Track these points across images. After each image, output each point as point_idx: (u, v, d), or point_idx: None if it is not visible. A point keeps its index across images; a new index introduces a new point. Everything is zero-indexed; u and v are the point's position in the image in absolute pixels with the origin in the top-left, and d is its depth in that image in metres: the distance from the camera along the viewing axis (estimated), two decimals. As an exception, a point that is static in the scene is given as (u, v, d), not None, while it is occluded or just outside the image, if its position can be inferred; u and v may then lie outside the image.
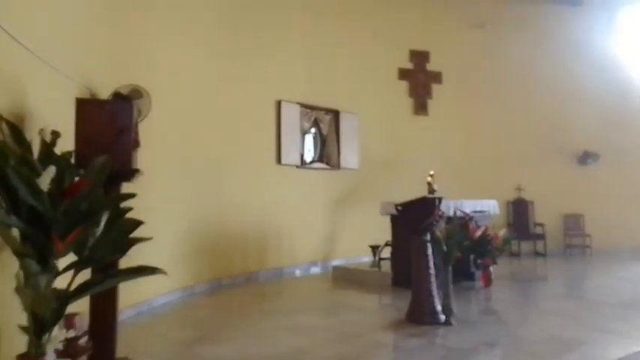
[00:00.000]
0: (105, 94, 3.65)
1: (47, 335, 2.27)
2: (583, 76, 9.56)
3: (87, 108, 2.78)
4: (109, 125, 2.81)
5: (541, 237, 9.31)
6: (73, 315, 2.88)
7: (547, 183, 9.65)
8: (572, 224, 9.61)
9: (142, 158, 3.23)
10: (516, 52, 9.94)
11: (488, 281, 6.06)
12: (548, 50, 9.84)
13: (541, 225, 9.44)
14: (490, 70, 10.02)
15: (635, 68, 9.42)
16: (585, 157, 9.55)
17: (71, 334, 2.57)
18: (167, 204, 5.57)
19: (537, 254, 9.44)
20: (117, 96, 3.39)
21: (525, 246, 9.32)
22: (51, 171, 2.14)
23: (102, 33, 4.41)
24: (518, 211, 9.66)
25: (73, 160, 2.65)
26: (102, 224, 2.41)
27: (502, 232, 6.03)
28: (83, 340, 2.89)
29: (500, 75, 10.00)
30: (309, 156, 8.88)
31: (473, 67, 10.03)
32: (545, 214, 9.57)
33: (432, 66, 10.10)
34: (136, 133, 3.11)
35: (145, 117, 3.92)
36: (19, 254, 2.10)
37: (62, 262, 2.30)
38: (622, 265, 7.95)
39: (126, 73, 4.33)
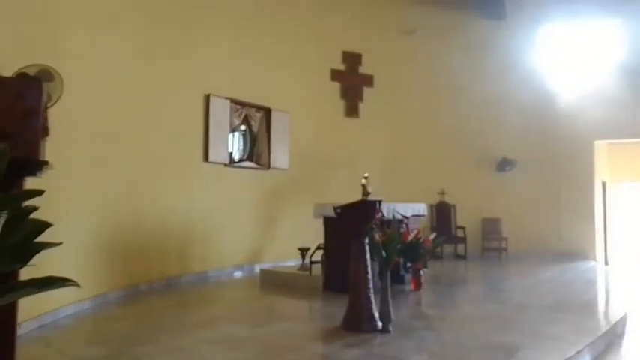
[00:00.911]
0: (4, 74, 3.10)
1: None
2: (505, 86, 10.06)
3: (-18, 85, 2.27)
4: (12, 107, 2.32)
5: (462, 240, 9.67)
6: (-43, 337, 2.37)
7: (468, 188, 10.04)
8: (490, 228, 10.09)
9: (50, 149, 2.75)
10: (443, 59, 10.26)
11: (418, 285, 6.10)
12: (472, 60, 10.25)
13: (462, 228, 9.80)
14: (419, 76, 10.28)
15: (553, 81, 10.07)
16: (504, 164, 10.07)
17: (-48, 363, 2.08)
18: (77, 202, 4.98)
19: (458, 256, 9.80)
20: (22, 76, 2.88)
21: (447, 248, 9.61)
22: None
23: (4, 5, 3.79)
24: (441, 214, 9.97)
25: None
26: (-1, 227, 1.96)
27: (432, 236, 6.08)
28: (-31, 367, 2.39)
29: (428, 81, 10.28)
30: (237, 154, 8.50)
31: (403, 73, 10.23)
32: (466, 218, 9.96)
33: (364, 68, 10.16)
34: (45, 120, 2.63)
35: (55, 102, 3.41)
36: None
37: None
38: (538, 267, 8.42)
39: (32, 54, 3.75)
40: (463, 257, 9.65)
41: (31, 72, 2.88)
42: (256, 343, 3.92)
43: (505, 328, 4.33)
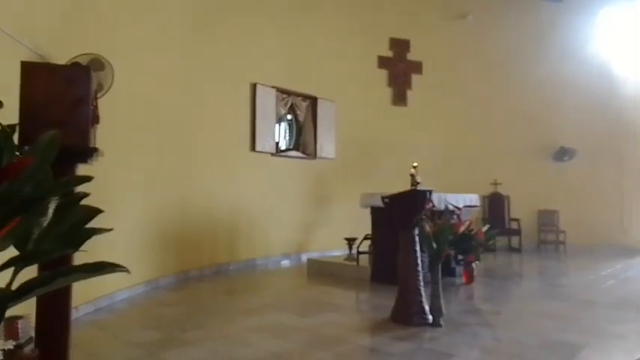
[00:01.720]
0: (61, 62, 3.17)
1: (-19, 346, 1.84)
2: (564, 71, 9.51)
3: (35, 73, 2.31)
4: (63, 95, 2.35)
5: (516, 232, 9.25)
6: (16, 319, 2.46)
7: (523, 178, 9.59)
8: (547, 220, 9.60)
9: (101, 137, 2.78)
10: (497, 45, 9.81)
11: (470, 278, 5.87)
12: (528, 44, 9.74)
13: (516, 220, 9.38)
14: (471, 62, 9.86)
15: (616, 66, 9.41)
16: (561, 154, 9.53)
17: (10, 344, 2.14)
18: (129, 189, 5.10)
19: (512, 249, 9.39)
20: (74, 65, 2.93)
21: (500, 241, 9.22)
22: (-19, 146, 1.70)
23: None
24: (494, 205, 9.57)
25: (16, 136, 2.19)
26: (50, 212, 1.98)
27: (486, 228, 5.83)
28: (28, 349, 2.46)
29: (481, 68, 9.85)
30: (284, 144, 8.49)
31: (454, 59, 9.85)
32: (521, 210, 9.52)
33: (412, 55, 9.87)
34: (95, 107, 2.66)
35: (106, 91, 3.47)
36: (-60, 249, 1.66)
37: (3, 258, 1.88)
38: (599, 262, 7.94)
39: (85, 44, 3.83)
40: (518, 250, 9.23)
41: (83, 61, 2.92)
42: (303, 333, 3.87)
43: (566, 326, 4.06)
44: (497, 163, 9.70)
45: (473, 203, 6.61)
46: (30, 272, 2.00)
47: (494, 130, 9.81)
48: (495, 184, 9.63)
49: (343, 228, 7.61)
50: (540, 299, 5.36)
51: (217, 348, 3.47)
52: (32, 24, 3.31)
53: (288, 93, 8.21)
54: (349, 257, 6.98)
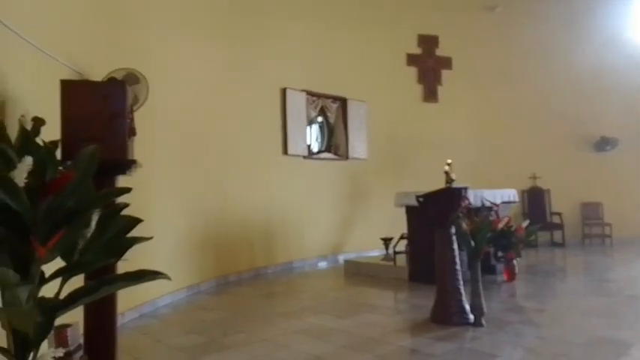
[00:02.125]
0: (96, 79, 3.29)
1: (32, 355, 1.93)
2: (600, 59, 9.16)
3: (74, 90, 2.42)
4: (101, 110, 2.44)
5: (559, 226, 8.96)
6: (65, 327, 2.55)
7: (563, 170, 9.28)
8: (591, 213, 9.25)
9: (138, 149, 2.87)
10: (529, 36, 9.53)
11: (511, 275, 5.73)
12: (562, 33, 9.41)
13: (558, 214, 9.08)
14: (502, 54, 9.62)
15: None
16: (603, 143, 9.17)
17: (60, 352, 2.23)
18: (167, 198, 5.24)
19: (554, 244, 9.10)
20: (109, 81, 3.04)
21: (542, 236, 8.95)
22: (27, 162, 1.78)
23: (94, 13, 4.04)
24: (534, 200, 9.30)
25: (59, 151, 2.28)
26: (93, 223, 2.06)
27: (526, 224, 5.67)
28: (78, 356, 2.56)
29: (513, 60, 9.59)
30: (316, 146, 8.52)
31: (484, 52, 9.63)
32: (562, 203, 9.21)
33: (441, 51, 9.70)
34: (132, 120, 2.75)
35: (142, 104, 3.57)
36: (-7, 263, 1.75)
37: (51, 269, 1.96)
38: (647, 255, 7.59)
39: (121, 59, 3.96)
40: (561, 245, 8.94)
41: (119, 76, 3.02)
42: (343, 335, 3.87)
43: (614, 323, 3.90)
44: (535, 156, 9.42)
45: (511, 199, 6.44)
46: (77, 282, 2.09)
47: (529, 123, 9.53)
48: (534, 177, 9.36)
49: (379, 228, 7.56)
50: (586, 295, 5.17)
51: (257, 351, 3.51)
52: (70, 43, 3.45)
53: (318, 95, 8.24)
54: (386, 257, 6.93)
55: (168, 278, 2.18)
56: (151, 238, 2.31)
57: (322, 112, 8.46)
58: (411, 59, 9.52)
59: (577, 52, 9.35)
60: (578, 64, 9.33)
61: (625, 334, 3.58)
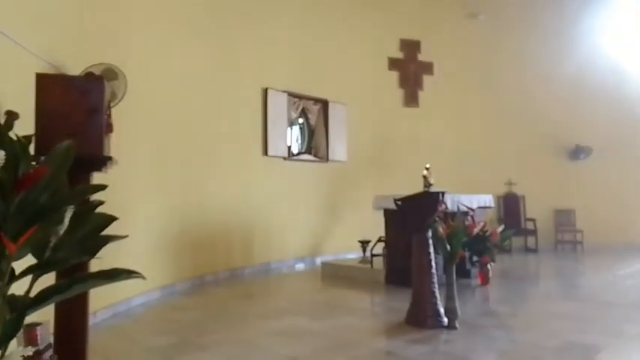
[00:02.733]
0: (73, 74, 3.23)
1: (0, 353, 1.88)
2: (577, 68, 9.39)
3: (50, 84, 2.36)
4: (77, 106, 2.39)
5: (532, 232, 9.15)
6: (34, 326, 2.49)
7: (538, 177, 9.50)
8: (564, 219, 9.47)
9: (115, 145, 2.83)
10: (510, 43, 9.73)
11: (485, 279, 5.82)
12: (543, 42, 9.63)
13: (532, 220, 9.27)
14: (483, 61, 9.80)
15: (631, 60, 9.27)
16: (577, 152, 9.40)
17: (30, 351, 2.17)
18: (144, 196, 5.17)
19: (528, 250, 9.28)
20: (87, 76, 2.99)
21: (516, 241, 9.12)
22: (-1, 156, 1.74)
23: (72, 5, 3.96)
24: (509, 205, 9.49)
25: (32, 146, 2.23)
26: (66, 220, 2.02)
27: (500, 229, 5.77)
28: (47, 355, 2.50)
29: (494, 67, 9.78)
30: (296, 147, 8.52)
31: (465, 58, 9.80)
32: (536, 209, 9.41)
33: (423, 56, 9.83)
34: (109, 116, 2.70)
35: (119, 100, 3.52)
36: (-40, 259, 1.70)
37: (22, 266, 1.92)
38: (617, 261, 7.81)
39: (99, 54, 3.90)
40: (534, 251, 9.13)
41: (97, 71, 2.97)
42: (319, 336, 3.88)
43: (584, 327, 4.00)
44: (511, 162, 9.61)
45: (487, 204, 6.56)
46: (48, 280, 2.04)
47: (507, 129, 9.73)
48: (510, 184, 9.54)
49: (357, 231, 7.60)
50: (558, 300, 5.29)
51: (233, 352, 3.49)
52: (46, 35, 3.38)
53: (300, 97, 8.24)
54: (363, 260, 6.97)
55: (143, 277, 2.15)
56: (126, 236, 2.27)
57: (303, 113, 8.47)
58: (393, 63, 9.62)
59: (557, 61, 9.57)
60: (557, 73, 9.56)
61: (595, 338, 3.68)
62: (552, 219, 9.57)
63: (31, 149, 2.13)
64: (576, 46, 9.55)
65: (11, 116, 2.16)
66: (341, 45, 8.71)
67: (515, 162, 9.60)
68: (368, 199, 6.79)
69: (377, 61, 9.38)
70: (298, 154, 8.42)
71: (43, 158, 2.14)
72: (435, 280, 4.11)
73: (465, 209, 5.49)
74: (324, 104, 8.61)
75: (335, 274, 6.84)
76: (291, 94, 8.03)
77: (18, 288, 1.89)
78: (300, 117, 8.49)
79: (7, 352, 1.89)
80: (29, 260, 1.93)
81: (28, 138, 2.22)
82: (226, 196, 6.74)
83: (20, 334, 2.40)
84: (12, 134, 2.05)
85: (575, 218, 9.42)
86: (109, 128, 2.62)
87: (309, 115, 8.54)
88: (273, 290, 6.11)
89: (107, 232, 2.24)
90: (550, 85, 9.59)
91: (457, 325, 3.93)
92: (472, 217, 5.62)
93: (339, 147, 8.71)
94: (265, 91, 7.56)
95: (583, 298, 5.35)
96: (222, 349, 3.56)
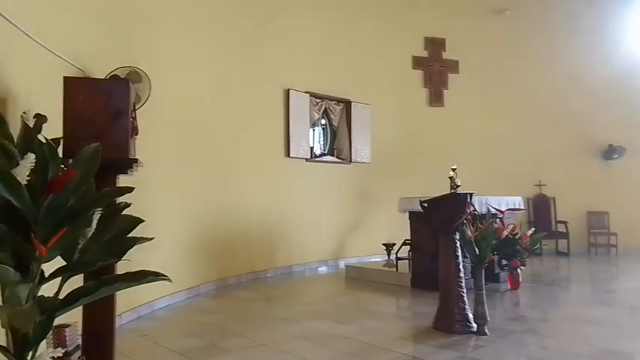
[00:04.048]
0: (98, 77, 3.26)
1: (30, 354, 1.89)
2: (609, 65, 9.09)
3: (77, 88, 2.38)
4: (103, 108, 2.41)
5: (564, 235, 8.88)
6: (64, 327, 2.52)
7: (569, 178, 9.22)
8: (596, 222, 9.17)
9: (140, 148, 2.84)
10: (538, 40, 9.47)
11: (515, 284, 5.66)
12: (571, 38, 9.36)
13: (564, 223, 8.99)
14: (510, 59, 9.56)
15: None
16: (610, 152, 9.10)
17: (59, 352, 2.19)
18: (168, 199, 5.20)
19: (559, 253, 9.02)
20: (112, 79, 3.01)
21: (547, 244, 8.85)
22: (29, 159, 1.75)
23: (99, 11, 4.01)
24: (540, 208, 9.24)
25: (60, 149, 2.25)
26: (94, 223, 2.02)
27: (530, 231, 5.61)
28: (75, 356, 2.52)
29: (521, 65, 9.54)
30: (318, 149, 8.48)
31: (491, 56, 9.58)
32: (568, 212, 9.14)
33: (448, 54, 9.66)
34: (134, 119, 2.71)
35: (144, 103, 3.54)
36: (-7, 260, 1.71)
37: (51, 268, 1.93)
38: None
39: (124, 57, 3.94)
40: (566, 254, 8.85)
41: (121, 74, 2.99)
42: (343, 341, 3.82)
43: (617, 334, 3.85)
44: (541, 163, 9.35)
45: (516, 206, 6.39)
46: (76, 281, 2.05)
47: (536, 129, 9.47)
48: (540, 185, 9.29)
49: (381, 233, 7.52)
50: (590, 305, 5.11)
51: (257, 356, 3.47)
52: (72, 39, 3.43)
53: (322, 97, 8.20)
54: (388, 263, 6.88)
55: (169, 280, 2.14)
56: (152, 238, 2.27)
57: (326, 114, 8.43)
58: (417, 62, 9.49)
59: (589, 59, 9.29)
60: (589, 71, 9.27)
61: (628, 345, 3.53)
62: (585, 221, 9.28)
63: (59, 152, 2.15)
64: (609, 43, 9.25)
65: (40, 119, 2.18)
66: (364, 44, 8.63)
67: (544, 163, 9.34)
68: (392, 201, 6.70)
69: (401, 60, 9.26)
70: (321, 155, 8.38)
71: (70, 161, 2.16)
72: (463, 284, 4.01)
73: (494, 211, 5.35)
74: (347, 104, 8.55)
75: (359, 278, 6.77)
76: (313, 95, 8.00)
77: (47, 290, 1.90)
78: (322, 118, 8.45)
79: (37, 353, 1.91)
80: (58, 262, 1.94)
81: (56, 141, 2.24)
82: (248, 198, 6.74)
83: (49, 335, 2.43)
84: (41, 137, 2.07)
85: (609, 220, 9.11)
86: (134, 131, 2.63)
87: (332, 116, 8.49)
88: (296, 293, 6.08)
89: (133, 234, 2.25)
90: (581, 84, 9.31)
91: (486, 330, 3.82)
92: (501, 219, 5.48)
93: (362, 148, 8.63)
94: (287, 92, 7.55)
95: (616, 303, 5.15)
96: (245, 353, 3.54)
